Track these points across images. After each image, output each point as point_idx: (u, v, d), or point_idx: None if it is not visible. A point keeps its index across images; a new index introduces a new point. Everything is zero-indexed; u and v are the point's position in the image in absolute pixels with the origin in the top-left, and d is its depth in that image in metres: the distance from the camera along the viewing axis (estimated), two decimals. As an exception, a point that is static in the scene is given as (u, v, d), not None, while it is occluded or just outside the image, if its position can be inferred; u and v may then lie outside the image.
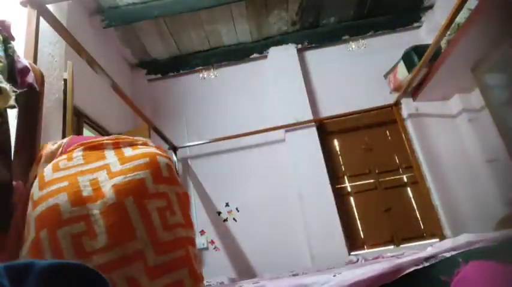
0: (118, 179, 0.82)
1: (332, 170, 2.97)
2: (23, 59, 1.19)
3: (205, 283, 2.42)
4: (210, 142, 3.09)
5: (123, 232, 0.75)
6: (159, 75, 3.49)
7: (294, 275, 2.31)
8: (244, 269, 2.80)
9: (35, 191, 0.86)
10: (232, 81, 3.42)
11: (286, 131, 3.06)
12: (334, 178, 2.96)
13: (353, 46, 3.41)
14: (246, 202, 2.99)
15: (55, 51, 1.77)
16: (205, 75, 3.48)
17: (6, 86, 0.98)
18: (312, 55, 3.43)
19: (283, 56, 3.35)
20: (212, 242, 2.93)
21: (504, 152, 2.43)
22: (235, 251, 2.87)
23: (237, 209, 2.99)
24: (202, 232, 2.96)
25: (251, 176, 3.05)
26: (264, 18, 3.16)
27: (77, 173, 0.86)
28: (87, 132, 2.42)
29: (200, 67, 3.47)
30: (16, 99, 1.01)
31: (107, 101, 2.62)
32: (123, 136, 1.04)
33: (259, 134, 3.04)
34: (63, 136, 1.77)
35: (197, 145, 3.10)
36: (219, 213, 3.01)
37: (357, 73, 3.26)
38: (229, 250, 2.88)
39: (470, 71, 2.52)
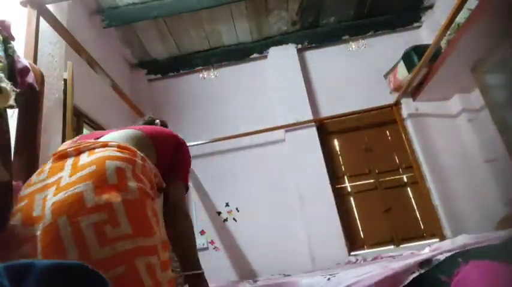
0: (59, 196, 0.76)
1: (332, 170, 2.97)
2: (23, 59, 1.19)
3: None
4: (210, 142, 3.09)
5: (54, 254, 0.70)
6: (159, 75, 3.49)
7: (286, 276, 2.31)
8: (244, 269, 2.80)
9: (22, 191, 0.86)
10: (232, 81, 3.42)
11: (286, 131, 3.06)
12: (334, 178, 2.96)
13: (353, 46, 3.41)
14: (246, 202, 2.99)
15: (55, 51, 1.77)
16: (205, 75, 3.48)
17: (7, 85, 0.98)
18: (312, 55, 3.43)
19: (283, 56, 3.36)
20: (212, 242, 2.93)
21: (504, 152, 2.43)
22: (235, 251, 2.87)
23: (237, 209, 2.99)
24: (202, 232, 2.96)
25: (251, 176, 3.05)
26: (264, 18, 3.16)
27: (37, 189, 0.82)
28: (86, 132, 2.42)
29: (200, 67, 3.47)
30: (16, 99, 1.01)
31: (106, 101, 2.62)
32: (88, 141, 0.95)
33: (259, 134, 3.04)
34: (63, 136, 1.77)
35: (197, 144, 3.10)
36: (219, 213, 3.01)
37: (357, 73, 3.26)
38: (229, 250, 2.88)
39: (470, 71, 2.52)
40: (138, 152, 0.94)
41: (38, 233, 0.72)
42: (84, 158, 0.86)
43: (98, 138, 1.04)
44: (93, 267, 0.63)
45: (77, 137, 1.10)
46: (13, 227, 0.77)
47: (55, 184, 0.81)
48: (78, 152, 0.90)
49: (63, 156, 0.91)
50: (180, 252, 1.05)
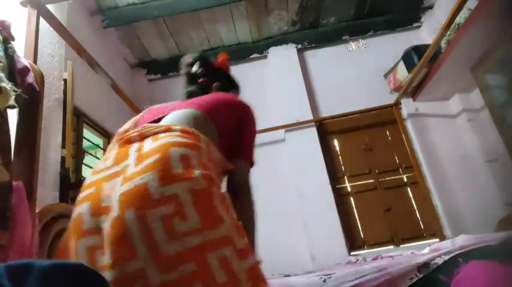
0: (125, 187, 0.72)
1: (332, 170, 2.97)
2: (23, 59, 1.19)
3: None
4: (210, 142, 3.09)
5: (124, 250, 0.67)
6: (159, 75, 3.49)
7: (286, 276, 2.31)
8: (244, 269, 2.80)
9: (88, 178, 0.85)
10: (232, 81, 3.42)
11: (286, 131, 3.06)
12: (334, 178, 2.96)
13: (353, 46, 3.41)
14: (246, 202, 2.98)
15: (55, 51, 1.78)
16: (205, 75, 3.48)
17: (7, 85, 0.98)
18: (312, 55, 3.43)
19: (283, 56, 3.36)
20: (212, 242, 2.92)
21: (504, 152, 2.43)
22: (235, 251, 2.87)
23: (237, 209, 2.99)
24: (202, 232, 2.96)
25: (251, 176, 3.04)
26: (264, 18, 3.16)
27: (104, 178, 0.79)
28: (86, 132, 2.42)
29: (200, 67, 3.46)
30: (16, 99, 1.01)
31: (107, 101, 2.62)
32: (152, 125, 0.90)
33: (259, 134, 3.03)
34: (63, 136, 1.77)
35: (197, 145, 3.10)
36: (219, 213, 3.00)
37: (357, 73, 3.26)
38: (229, 250, 2.88)
39: (470, 71, 2.52)
40: (203, 136, 0.87)
41: (106, 225, 0.70)
42: (148, 145, 0.81)
43: (160, 118, 0.99)
44: (164, 264, 0.65)
45: (140, 116, 1.08)
46: (80, 215, 0.74)
47: (122, 173, 0.77)
48: (142, 137, 0.86)
49: (127, 141, 0.88)
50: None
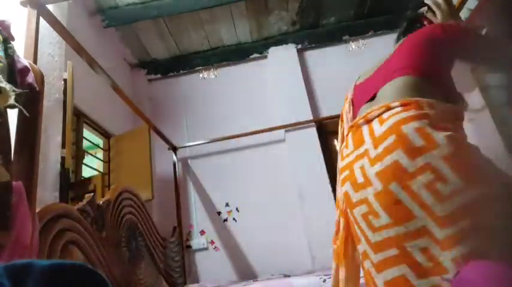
0: (377, 167, 0.87)
1: (332, 170, 2.97)
2: (23, 59, 1.19)
3: (198, 285, 2.43)
4: (210, 142, 3.09)
5: (401, 213, 0.82)
6: (159, 75, 3.49)
7: (285, 276, 2.31)
8: (244, 270, 2.80)
9: (339, 163, 1.07)
10: (232, 81, 3.42)
11: (286, 131, 3.06)
12: (334, 178, 2.95)
13: (353, 46, 3.41)
14: (246, 202, 2.99)
15: (55, 51, 1.78)
16: (205, 75, 3.49)
17: (6, 85, 0.98)
18: (312, 55, 3.43)
19: (283, 56, 3.36)
20: (212, 242, 2.93)
21: (504, 152, 2.43)
22: (235, 252, 2.87)
23: (237, 209, 2.99)
24: (202, 232, 2.96)
25: (251, 176, 3.05)
26: (264, 18, 3.16)
27: (352, 161, 0.98)
28: (86, 132, 2.42)
29: (200, 67, 3.47)
30: (16, 99, 1.01)
31: (107, 101, 2.62)
32: (371, 109, 0.97)
33: (259, 134, 3.04)
34: (63, 136, 1.77)
35: (197, 145, 3.10)
36: (219, 213, 3.01)
37: (357, 73, 3.25)
38: (229, 250, 2.88)
39: (470, 71, 2.52)
40: (422, 99, 0.89)
41: (371, 197, 0.88)
42: (377, 128, 0.92)
43: (373, 95, 1.03)
44: (443, 222, 0.77)
45: (351, 95, 1.25)
46: (346, 192, 0.98)
47: (364, 155, 0.93)
48: (367, 121, 0.97)
49: (357, 127, 1.01)
50: None
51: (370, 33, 3.38)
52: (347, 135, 1.07)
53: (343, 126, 1.21)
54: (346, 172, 0.99)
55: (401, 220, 0.82)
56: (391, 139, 0.86)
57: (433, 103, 0.89)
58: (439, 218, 0.77)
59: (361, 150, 0.95)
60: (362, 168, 0.92)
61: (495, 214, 0.76)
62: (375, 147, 0.89)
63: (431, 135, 0.81)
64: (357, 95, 1.19)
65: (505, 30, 2.06)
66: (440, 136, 0.81)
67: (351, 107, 1.19)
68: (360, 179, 0.92)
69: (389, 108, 0.91)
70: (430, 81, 0.95)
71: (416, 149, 0.81)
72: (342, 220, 1.11)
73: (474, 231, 0.74)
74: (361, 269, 1.01)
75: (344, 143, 1.07)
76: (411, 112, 0.86)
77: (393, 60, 1.07)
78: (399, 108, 0.89)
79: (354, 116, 1.13)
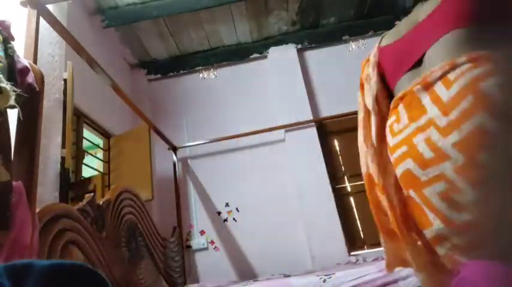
0: (453, 138, 0.72)
1: (332, 170, 2.97)
2: (23, 59, 1.19)
3: (198, 285, 2.43)
4: (210, 142, 3.09)
5: (495, 189, 0.69)
6: (159, 75, 3.49)
7: (285, 276, 2.31)
8: (244, 269, 2.80)
9: (390, 140, 0.90)
10: (232, 81, 3.42)
11: (286, 131, 3.06)
12: (334, 178, 2.96)
13: (353, 46, 3.41)
14: (246, 202, 2.99)
15: (55, 51, 1.78)
16: (205, 75, 3.49)
17: (7, 86, 0.98)
18: (312, 55, 3.43)
19: (283, 56, 3.36)
20: (212, 242, 2.93)
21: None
22: (235, 251, 2.87)
23: (237, 209, 2.99)
24: (202, 232, 2.96)
25: (251, 176, 3.05)
26: (264, 18, 3.16)
27: (410, 135, 0.82)
28: (86, 132, 2.42)
29: (200, 67, 3.47)
30: (16, 100, 1.01)
31: (107, 101, 2.62)
32: (432, 69, 0.80)
33: (259, 134, 3.04)
34: (63, 136, 1.77)
35: (197, 145, 3.10)
36: (219, 213, 3.01)
37: (357, 73, 3.23)
38: (229, 250, 2.88)
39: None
40: (491, 52, 0.75)
41: (449, 171, 0.73)
42: (445, 92, 0.76)
43: (418, 60, 0.88)
44: None
45: (372, 67, 1.04)
46: (408, 170, 0.82)
47: (429, 125, 0.77)
48: (426, 86, 0.81)
49: (412, 96, 0.84)
50: None
51: (370, 33, 3.38)
52: (395, 108, 0.91)
53: (364, 94, 1.08)
54: (404, 148, 0.84)
55: (492, 194, 0.70)
56: (466, 103, 0.71)
57: (504, 52, 0.76)
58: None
59: (422, 121, 0.80)
60: (428, 140, 0.77)
61: None
62: (445, 114, 0.74)
63: None
64: (386, 59, 1.00)
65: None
66: None
67: (377, 73, 1.01)
68: (428, 153, 0.77)
69: (454, 66, 0.76)
70: (492, 27, 0.80)
71: (505, 108, 0.68)
72: (384, 198, 0.93)
73: None
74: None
75: (393, 118, 0.90)
76: (485, 67, 0.72)
77: (436, 13, 0.87)
78: (468, 65, 0.74)
79: (390, 84, 0.98)
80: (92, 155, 2.49)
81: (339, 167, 3.02)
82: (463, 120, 0.71)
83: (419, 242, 0.86)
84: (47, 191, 1.57)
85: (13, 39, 1.18)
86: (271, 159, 3.09)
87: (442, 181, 0.75)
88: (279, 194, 2.96)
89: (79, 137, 2.25)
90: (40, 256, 1.09)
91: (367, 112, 1.10)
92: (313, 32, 3.40)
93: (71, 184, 1.92)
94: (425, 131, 0.78)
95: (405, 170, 0.83)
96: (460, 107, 0.72)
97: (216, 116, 3.30)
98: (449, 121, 0.74)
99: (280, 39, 3.40)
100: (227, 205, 3.01)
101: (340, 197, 2.90)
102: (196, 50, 3.44)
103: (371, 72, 1.05)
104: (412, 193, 0.83)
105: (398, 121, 0.88)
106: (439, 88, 0.78)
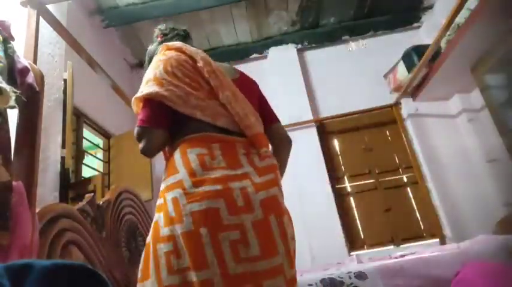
0: (262, 195, 0.86)
1: (332, 170, 2.97)
2: (23, 59, 1.19)
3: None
4: (210, 142, 3.08)
5: (271, 247, 0.81)
6: (159, 75, 3.48)
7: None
8: (244, 269, 2.80)
9: (186, 180, 0.86)
10: (232, 81, 3.41)
11: (286, 131, 3.06)
12: (334, 178, 2.96)
13: (353, 46, 3.41)
14: (246, 202, 2.98)
15: (55, 51, 1.78)
16: (205, 75, 3.48)
17: (7, 86, 0.98)
18: (312, 55, 3.43)
19: (283, 56, 3.35)
20: (212, 242, 2.92)
21: (504, 152, 2.43)
22: (235, 251, 2.87)
23: (237, 209, 2.99)
24: (202, 232, 2.96)
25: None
26: (264, 18, 3.16)
27: (227, 177, 0.85)
28: (86, 132, 2.42)
29: (200, 67, 3.46)
30: (16, 100, 1.01)
31: (107, 101, 2.62)
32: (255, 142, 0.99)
33: (259, 134, 3.03)
34: (63, 136, 1.77)
35: (197, 145, 3.10)
36: (219, 213, 3.00)
37: (357, 73, 3.26)
38: (229, 250, 2.88)
39: (470, 71, 2.52)
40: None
41: (248, 223, 0.81)
42: (258, 162, 0.94)
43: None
44: (292, 261, 0.85)
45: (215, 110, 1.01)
46: (216, 209, 0.81)
47: (247, 178, 0.87)
48: (248, 152, 0.95)
49: (230, 144, 0.93)
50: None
51: (370, 33, 3.38)
52: (206, 142, 0.92)
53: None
54: (218, 187, 0.84)
55: (269, 254, 0.80)
56: (271, 176, 0.93)
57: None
58: (291, 257, 0.86)
59: (239, 171, 0.88)
60: (244, 191, 0.84)
61: None
62: (259, 175, 0.90)
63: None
64: (222, 80, 1.04)
65: (504, 30, 2.06)
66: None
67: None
68: (240, 202, 0.83)
69: (267, 156, 0.98)
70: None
71: (282, 193, 0.96)
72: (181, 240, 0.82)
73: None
74: None
75: (204, 150, 0.90)
76: (275, 161, 1.03)
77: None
78: (270, 153, 1.03)
79: (216, 95, 0.98)
80: (92, 155, 2.49)
81: (339, 167, 3.02)
82: (269, 186, 0.88)
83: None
84: (47, 191, 1.57)
85: (13, 39, 1.18)
86: (271, 159, 3.08)
87: (236, 230, 0.80)
88: (279, 194, 2.96)
89: (79, 137, 2.24)
90: (40, 256, 1.09)
91: None
92: (313, 32, 3.40)
93: (71, 184, 1.92)
94: (242, 181, 0.86)
95: (214, 209, 0.81)
96: (267, 176, 0.91)
97: (216, 116, 3.29)
98: (261, 181, 0.88)
99: (280, 39, 3.40)
100: (227, 205, 3.01)
101: (340, 197, 2.90)
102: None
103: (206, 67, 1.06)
104: (203, 231, 0.79)
105: (213, 158, 0.89)
106: (254, 157, 0.94)
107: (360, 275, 1.58)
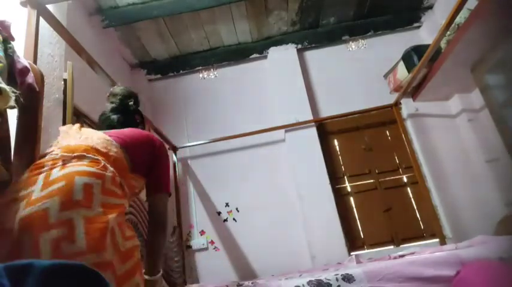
0: (27, 211, 0.80)
1: (332, 170, 2.97)
2: (23, 59, 1.19)
3: (198, 285, 2.42)
4: (210, 142, 3.09)
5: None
6: (159, 75, 3.49)
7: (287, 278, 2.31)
8: (244, 270, 2.80)
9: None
10: (232, 81, 3.42)
11: (286, 131, 3.06)
12: (334, 178, 2.96)
13: (353, 46, 3.41)
14: (246, 202, 2.99)
15: (55, 51, 1.78)
16: (205, 75, 3.48)
17: (6, 86, 0.98)
18: (312, 55, 3.43)
19: (283, 56, 3.35)
20: (212, 242, 2.93)
21: (504, 152, 2.43)
22: (235, 252, 2.87)
23: (237, 209, 2.99)
24: (202, 232, 2.96)
25: (251, 176, 3.05)
26: (264, 18, 3.16)
27: (11, 200, 0.85)
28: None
29: (200, 67, 3.47)
30: (16, 100, 1.01)
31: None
32: (65, 154, 0.97)
33: (259, 134, 3.04)
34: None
35: (197, 145, 3.10)
36: (219, 213, 3.01)
37: (357, 73, 3.26)
38: (229, 250, 2.88)
39: (470, 71, 2.52)
40: (110, 167, 0.97)
41: (7, 244, 0.77)
42: (56, 173, 0.89)
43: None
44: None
45: (61, 137, 1.14)
46: (45, 210, 0.81)
47: (26, 197, 0.84)
48: (54, 165, 0.93)
49: (39, 166, 0.94)
50: (149, 257, 1.16)
51: (370, 33, 3.38)
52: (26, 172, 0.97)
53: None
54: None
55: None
56: (58, 185, 0.86)
57: (115, 173, 1.02)
58: None
59: (27, 191, 0.87)
60: (16, 211, 0.83)
61: None
62: (42, 190, 0.85)
63: (93, 196, 0.91)
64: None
65: (504, 30, 2.06)
66: (99, 199, 0.90)
67: None
68: (9, 223, 0.81)
69: (81, 158, 0.98)
70: (131, 163, 1.12)
71: (71, 202, 0.86)
72: None
73: None
74: None
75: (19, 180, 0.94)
76: (93, 169, 0.98)
77: (114, 133, 1.18)
78: (86, 162, 0.99)
79: None
80: (92, 155, 2.48)
81: (339, 167, 3.02)
82: (44, 199, 0.82)
83: None
84: (47, 191, 1.56)
85: (13, 39, 1.18)
86: (271, 159, 3.09)
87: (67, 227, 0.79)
88: (279, 194, 2.96)
89: (79, 137, 2.24)
90: (40, 256, 1.09)
91: None
92: (313, 32, 3.40)
93: (71, 184, 1.91)
94: (22, 201, 0.84)
95: (44, 209, 0.81)
96: (53, 187, 0.85)
97: (216, 116, 3.29)
98: (38, 196, 0.83)
99: (280, 39, 3.40)
100: (227, 205, 3.01)
101: (340, 197, 2.90)
102: (196, 50, 3.44)
103: None
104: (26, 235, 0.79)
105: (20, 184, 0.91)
106: (56, 169, 0.91)
107: (347, 278, 1.59)
